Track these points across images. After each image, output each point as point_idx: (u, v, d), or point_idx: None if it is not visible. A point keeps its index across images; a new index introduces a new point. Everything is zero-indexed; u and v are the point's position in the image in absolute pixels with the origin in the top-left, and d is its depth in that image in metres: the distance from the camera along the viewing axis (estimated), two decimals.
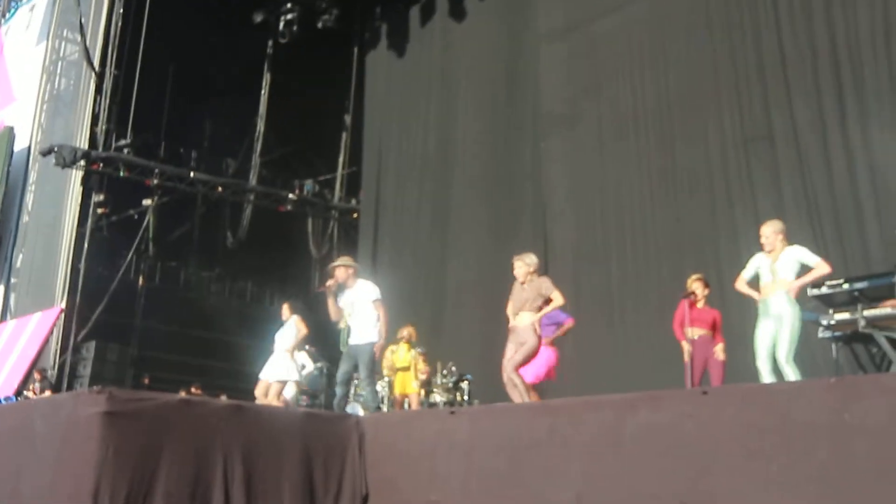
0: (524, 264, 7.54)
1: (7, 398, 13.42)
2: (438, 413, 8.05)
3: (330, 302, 8.27)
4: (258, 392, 9.58)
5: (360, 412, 10.16)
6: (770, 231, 6.76)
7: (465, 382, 10.90)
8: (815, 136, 9.74)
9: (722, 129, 10.77)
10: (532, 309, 7.39)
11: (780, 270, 6.62)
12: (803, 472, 4.37)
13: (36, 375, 13.19)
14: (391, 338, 9.63)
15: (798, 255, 6.67)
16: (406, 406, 10.31)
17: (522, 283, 7.54)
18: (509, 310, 7.59)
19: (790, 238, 6.84)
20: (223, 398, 11.25)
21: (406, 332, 10.54)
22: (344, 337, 9.78)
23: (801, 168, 9.80)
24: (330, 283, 8.28)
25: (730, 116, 10.74)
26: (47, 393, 13.16)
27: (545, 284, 7.50)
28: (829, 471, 4.28)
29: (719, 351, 7.76)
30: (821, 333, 8.04)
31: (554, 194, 12.75)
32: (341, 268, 8.33)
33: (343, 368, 8.24)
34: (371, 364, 8.21)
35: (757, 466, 4.52)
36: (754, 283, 6.90)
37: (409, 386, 10.27)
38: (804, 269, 6.67)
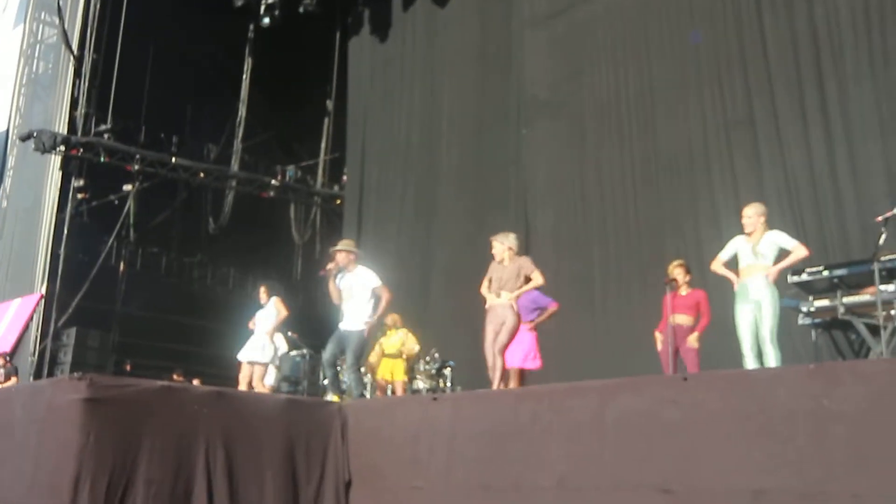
0: (501, 243, 7.54)
1: None
2: (421, 399, 8.05)
3: (331, 285, 8.31)
4: (242, 377, 9.57)
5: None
6: (753, 213, 6.80)
7: (448, 369, 10.93)
8: (795, 122, 9.79)
9: (703, 114, 10.81)
10: (512, 289, 7.39)
11: (760, 253, 6.66)
12: (784, 458, 4.41)
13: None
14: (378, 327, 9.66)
15: (778, 238, 6.71)
16: (389, 392, 10.31)
17: (500, 262, 7.52)
18: (484, 289, 7.57)
19: (770, 224, 6.88)
20: (195, 382, 11.26)
21: (391, 319, 10.54)
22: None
23: (782, 154, 9.86)
24: (331, 266, 8.32)
25: (711, 102, 10.77)
26: (13, 380, 13.06)
27: (526, 264, 7.49)
28: (809, 456, 4.33)
29: (692, 340, 7.79)
30: (801, 320, 8.10)
31: (536, 180, 12.76)
32: (343, 252, 8.36)
33: (330, 350, 8.24)
34: (359, 351, 8.22)
35: (738, 452, 4.56)
36: (732, 264, 6.94)
37: (397, 373, 10.28)
38: (783, 254, 6.71)
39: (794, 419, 4.44)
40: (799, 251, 6.68)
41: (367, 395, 8.74)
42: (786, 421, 4.46)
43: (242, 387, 9.46)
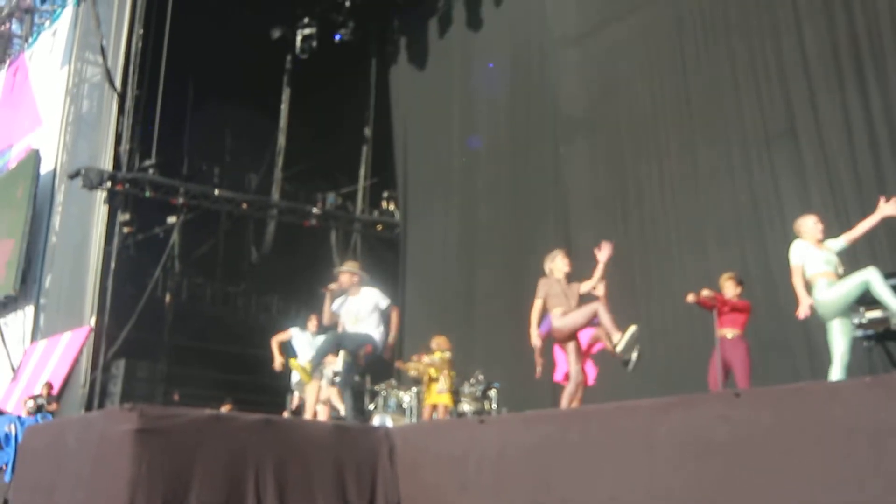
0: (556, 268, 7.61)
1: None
2: (468, 422, 8.02)
3: (326, 304, 8.14)
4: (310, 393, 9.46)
5: (389, 423, 10.18)
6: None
7: (493, 391, 10.87)
8: (839, 132, 9.63)
9: (743, 128, 10.68)
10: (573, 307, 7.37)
11: (830, 262, 6.56)
12: (841, 474, 4.30)
13: (42, 391, 13.23)
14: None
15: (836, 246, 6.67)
16: (434, 416, 10.29)
17: (563, 279, 7.50)
18: (559, 311, 7.37)
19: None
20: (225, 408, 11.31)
21: (436, 342, 10.54)
22: None
23: (826, 164, 9.69)
24: (333, 286, 8.14)
25: (751, 115, 10.65)
26: (53, 406, 13.18)
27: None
28: (868, 472, 4.21)
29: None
30: (853, 332, 7.92)
31: (575, 198, 12.72)
32: (347, 274, 8.19)
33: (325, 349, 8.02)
34: (354, 349, 7.92)
35: (793, 469, 4.46)
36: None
37: (443, 396, 10.26)
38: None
39: (851, 434, 4.33)
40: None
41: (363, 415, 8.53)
42: (843, 436, 4.35)
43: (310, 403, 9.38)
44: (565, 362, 7.76)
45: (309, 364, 7.74)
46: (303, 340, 9.76)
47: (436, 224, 15.54)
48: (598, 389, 8.49)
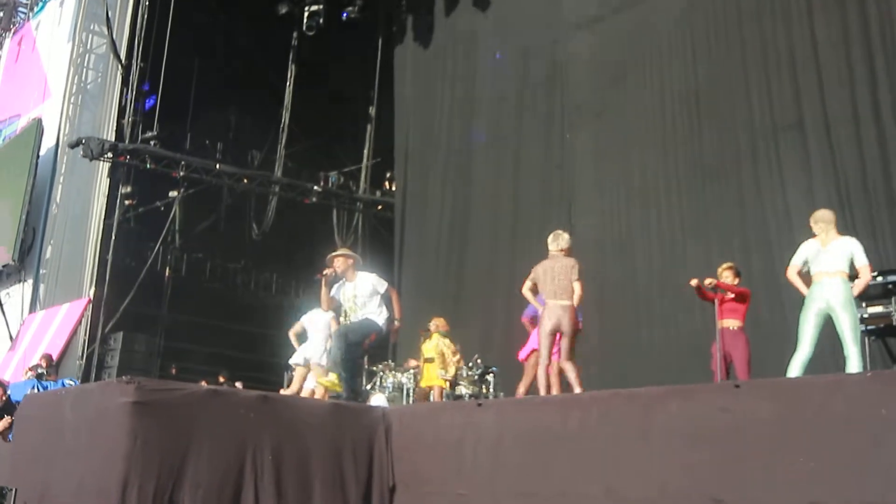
0: (565, 240, 7.39)
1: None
2: (465, 405, 7.99)
3: (323, 291, 8.04)
4: (298, 378, 9.42)
5: (385, 403, 10.17)
6: (824, 218, 6.63)
7: (491, 375, 10.87)
8: (847, 125, 9.58)
9: (751, 118, 10.63)
10: (568, 289, 7.19)
11: (834, 258, 6.48)
12: (840, 468, 4.28)
13: (42, 361, 13.22)
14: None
15: (854, 248, 6.49)
16: (431, 398, 10.29)
17: (555, 258, 7.32)
18: (547, 288, 7.29)
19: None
20: (238, 385, 11.27)
21: (434, 323, 10.51)
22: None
23: (833, 158, 9.65)
24: (327, 271, 8.02)
25: (759, 105, 10.59)
26: (53, 377, 13.15)
27: (577, 269, 7.25)
28: (867, 466, 4.20)
29: (708, 282, 7.60)
30: None
31: (580, 185, 12.67)
32: (340, 258, 8.07)
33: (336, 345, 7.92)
34: (360, 338, 7.83)
35: (792, 461, 4.45)
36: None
37: (434, 377, 10.23)
38: (851, 265, 6.53)
39: (850, 428, 4.31)
40: (866, 274, 6.50)
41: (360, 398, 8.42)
42: (842, 430, 4.33)
43: (295, 387, 9.33)
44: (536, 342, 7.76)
45: (336, 376, 7.75)
46: (315, 321, 9.58)
47: (433, 205, 15.46)
48: (598, 377, 8.49)
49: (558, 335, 7.26)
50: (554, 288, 7.24)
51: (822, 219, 6.61)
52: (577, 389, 6.96)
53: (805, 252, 6.62)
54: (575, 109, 12.95)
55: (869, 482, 4.18)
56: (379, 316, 7.87)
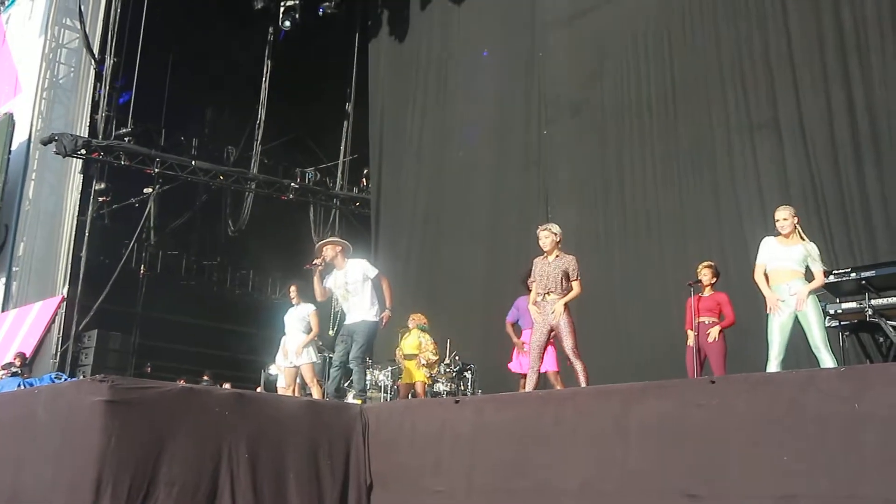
0: (551, 233, 7.15)
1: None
2: (443, 402, 7.99)
3: (316, 281, 8.06)
4: (287, 381, 9.49)
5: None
6: (788, 214, 6.50)
7: (469, 372, 10.86)
8: (821, 124, 9.65)
9: (727, 115, 10.68)
10: (560, 291, 7.05)
11: (795, 259, 6.46)
12: (813, 462, 4.33)
13: (15, 360, 13.07)
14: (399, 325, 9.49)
15: (813, 253, 6.47)
16: (411, 395, 10.26)
17: (547, 256, 7.17)
18: (536, 287, 7.19)
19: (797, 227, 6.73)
20: (226, 386, 11.27)
21: (413, 319, 10.49)
22: (335, 320, 9.56)
23: (807, 155, 9.72)
24: (317, 261, 8.03)
25: (734, 103, 10.65)
26: (26, 375, 13.02)
27: (572, 265, 7.12)
28: (840, 460, 4.25)
29: (714, 332, 7.64)
30: (827, 322, 7.95)
31: (557, 180, 12.68)
32: (329, 246, 8.10)
33: (340, 349, 8.00)
34: (366, 344, 7.96)
35: (766, 456, 4.49)
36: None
37: (416, 374, 10.20)
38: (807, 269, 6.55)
39: (824, 423, 4.37)
40: (820, 278, 6.52)
41: (365, 387, 8.47)
42: (816, 424, 4.39)
43: (290, 388, 9.41)
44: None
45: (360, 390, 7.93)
46: (292, 316, 9.65)
47: (408, 201, 15.40)
48: (572, 374, 8.48)
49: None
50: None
51: (786, 215, 6.57)
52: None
53: (766, 249, 6.59)
54: (552, 105, 12.96)
55: (841, 476, 4.22)
56: (370, 309, 7.89)
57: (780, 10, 10.26)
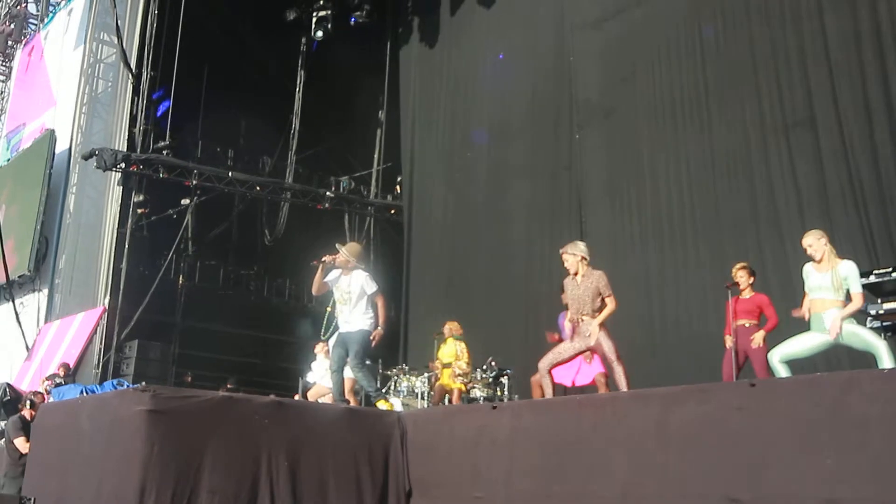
0: (573, 255, 7.04)
1: None
2: (480, 408, 8.00)
3: (318, 275, 8.10)
4: (311, 395, 9.63)
5: (399, 407, 10.17)
6: (814, 240, 6.45)
7: (505, 377, 10.84)
8: (859, 122, 9.50)
9: (761, 115, 10.57)
10: (592, 311, 6.94)
11: (833, 286, 6.37)
12: (857, 465, 4.26)
13: (59, 370, 13.28)
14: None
15: (850, 274, 6.36)
16: (446, 401, 10.27)
17: (575, 275, 7.06)
18: (570, 311, 7.13)
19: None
20: (271, 397, 11.41)
21: (448, 327, 10.50)
22: (327, 322, 9.55)
23: (846, 154, 9.56)
24: (327, 258, 8.09)
25: (769, 103, 10.53)
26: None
27: (602, 282, 6.97)
28: (884, 463, 4.17)
29: (758, 338, 7.56)
30: (869, 323, 7.82)
31: (590, 184, 12.63)
32: (346, 250, 8.16)
33: (337, 354, 8.08)
34: (362, 350, 7.98)
35: (808, 459, 4.43)
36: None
37: (452, 383, 10.22)
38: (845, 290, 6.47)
39: (867, 425, 4.29)
40: (857, 301, 6.44)
41: (377, 387, 8.54)
42: (859, 427, 4.31)
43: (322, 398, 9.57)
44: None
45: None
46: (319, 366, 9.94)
47: (439, 208, 15.43)
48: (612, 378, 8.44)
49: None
50: None
51: (811, 242, 6.50)
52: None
53: (806, 278, 6.54)
54: (584, 109, 12.91)
55: (887, 480, 4.15)
56: (366, 320, 7.97)
57: (816, 6, 10.12)
